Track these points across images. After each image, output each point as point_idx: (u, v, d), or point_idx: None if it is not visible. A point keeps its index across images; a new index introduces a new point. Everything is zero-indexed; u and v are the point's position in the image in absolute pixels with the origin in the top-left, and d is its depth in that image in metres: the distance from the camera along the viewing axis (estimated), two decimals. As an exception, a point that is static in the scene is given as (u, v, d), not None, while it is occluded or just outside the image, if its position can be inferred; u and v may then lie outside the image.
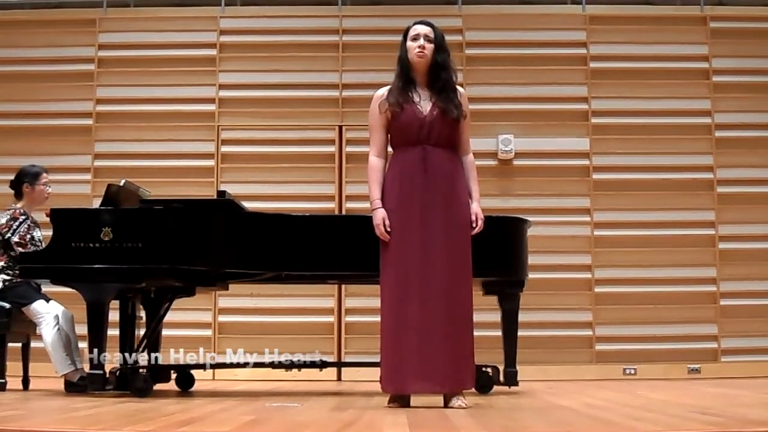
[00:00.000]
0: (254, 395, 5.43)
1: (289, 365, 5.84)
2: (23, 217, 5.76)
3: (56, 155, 8.08)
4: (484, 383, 5.41)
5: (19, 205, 5.83)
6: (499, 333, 5.67)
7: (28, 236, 5.71)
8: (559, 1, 8.72)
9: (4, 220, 5.73)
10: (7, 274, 5.67)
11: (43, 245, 5.71)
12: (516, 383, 5.63)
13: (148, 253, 5.00)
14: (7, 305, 5.58)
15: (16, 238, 5.67)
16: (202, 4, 8.69)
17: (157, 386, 5.62)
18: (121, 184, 5.53)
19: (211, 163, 8.37)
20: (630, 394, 5.32)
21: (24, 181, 5.86)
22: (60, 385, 5.54)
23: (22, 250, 5.59)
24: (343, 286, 8.00)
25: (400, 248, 4.27)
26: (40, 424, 3.35)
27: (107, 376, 5.09)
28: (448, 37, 4.50)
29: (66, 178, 7.86)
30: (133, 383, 5.11)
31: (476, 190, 4.43)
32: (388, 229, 4.29)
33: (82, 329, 5.25)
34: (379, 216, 4.30)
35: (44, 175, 5.91)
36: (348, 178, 8.31)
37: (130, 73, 8.50)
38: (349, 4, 8.73)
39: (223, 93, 8.51)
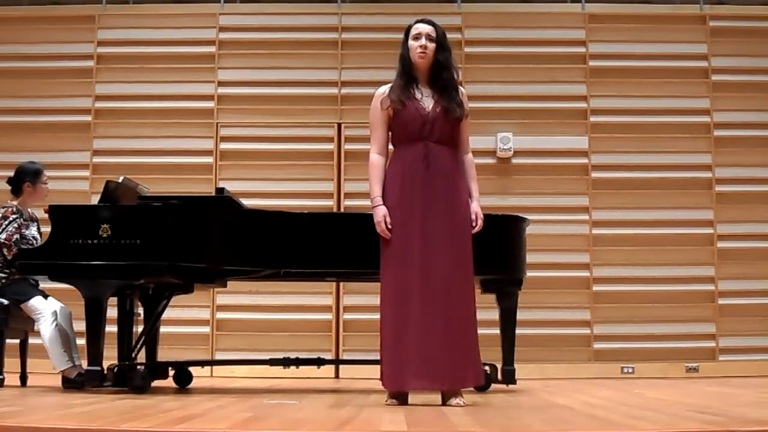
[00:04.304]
0: (252, 392, 5.43)
1: (287, 362, 5.84)
2: (15, 215, 5.70)
3: (55, 152, 8.09)
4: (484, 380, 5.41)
5: (14, 203, 5.81)
6: (497, 331, 5.68)
7: (16, 236, 5.64)
8: (559, 0, 8.72)
9: None
10: (4, 273, 5.65)
11: (39, 242, 5.70)
12: (514, 381, 5.64)
13: (146, 250, 4.99)
14: (5, 301, 5.57)
15: (3, 236, 5.62)
16: (201, 1, 8.68)
17: (155, 383, 5.63)
18: (120, 180, 5.53)
19: (209, 160, 8.37)
20: (628, 393, 5.32)
21: (25, 180, 5.82)
22: (58, 381, 5.54)
23: (6, 252, 5.57)
24: (341, 284, 8.00)
25: (401, 245, 4.27)
26: (38, 421, 3.35)
27: (105, 372, 5.09)
28: (447, 35, 4.49)
29: (64, 175, 7.86)
30: (131, 380, 5.11)
31: (476, 189, 4.44)
32: (389, 227, 4.29)
33: (80, 326, 5.26)
34: (380, 213, 4.30)
35: (45, 172, 5.90)
36: (347, 176, 8.31)
37: (129, 70, 8.49)
38: (348, 1, 8.72)
39: (222, 90, 8.50)
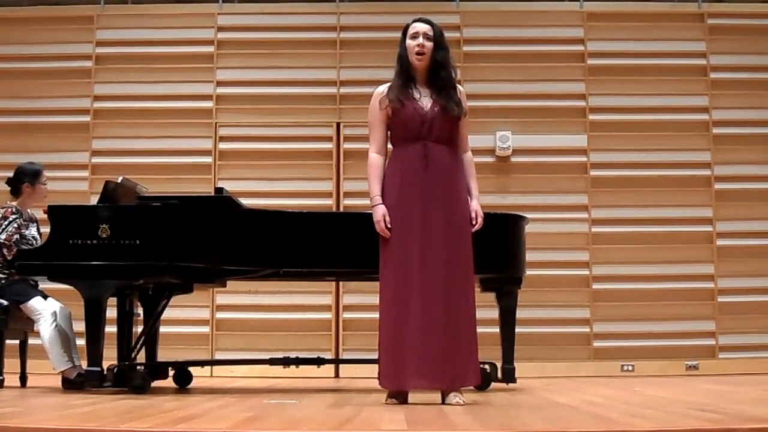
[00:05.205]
0: (252, 392, 5.44)
1: (287, 362, 5.84)
2: (14, 216, 5.71)
3: (54, 152, 8.08)
4: (481, 380, 5.40)
5: (14, 203, 5.81)
6: (497, 330, 5.68)
7: (16, 236, 5.64)
8: (557, -2, 8.74)
9: None
10: (4, 274, 5.65)
11: (39, 242, 5.70)
12: (514, 380, 5.64)
13: (145, 250, 4.99)
14: (4, 302, 5.57)
15: (3, 237, 5.62)
16: (199, 1, 8.68)
17: (155, 383, 5.63)
18: (119, 181, 5.53)
19: (208, 160, 8.37)
20: (628, 391, 5.32)
21: (24, 180, 5.83)
22: (57, 382, 5.54)
23: (6, 252, 5.58)
24: (340, 283, 8.00)
25: (400, 244, 4.27)
26: (38, 421, 3.35)
27: (105, 373, 5.09)
28: (445, 34, 4.50)
29: (63, 175, 7.86)
30: (131, 380, 5.11)
31: (475, 188, 4.45)
32: (389, 225, 4.29)
33: (79, 326, 5.26)
34: (380, 212, 4.30)
35: (44, 173, 5.90)
36: (346, 175, 8.31)
37: (127, 70, 8.49)
38: (347, 1, 8.72)
39: (221, 90, 8.50)
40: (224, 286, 5.83)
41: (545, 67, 8.49)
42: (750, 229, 8.29)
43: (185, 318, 7.75)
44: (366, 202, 4.45)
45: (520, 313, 5.78)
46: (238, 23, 8.66)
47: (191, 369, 6.02)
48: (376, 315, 4.32)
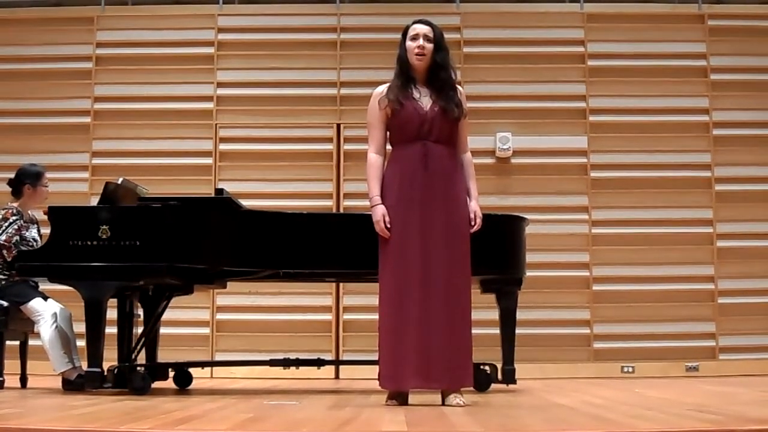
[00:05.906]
0: (252, 393, 5.44)
1: (287, 363, 5.84)
2: (15, 217, 5.71)
3: (54, 153, 8.09)
4: (482, 381, 5.42)
5: (15, 205, 5.81)
6: (497, 331, 5.68)
7: (16, 238, 5.65)
8: (557, 0, 8.72)
9: None
10: (4, 275, 5.65)
11: (39, 244, 5.70)
12: (514, 381, 5.64)
13: (145, 251, 5.00)
14: (4, 303, 5.57)
15: (3, 238, 5.62)
16: (199, 2, 8.68)
17: (155, 384, 5.63)
18: (119, 182, 5.53)
19: (209, 161, 8.37)
20: (628, 393, 5.32)
21: (26, 182, 5.83)
22: (58, 383, 5.54)
23: (5, 253, 5.58)
24: (341, 284, 8.00)
25: (399, 245, 4.27)
26: (38, 422, 3.35)
27: (105, 374, 5.09)
28: (446, 35, 4.50)
29: (64, 176, 7.86)
30: (131, 381, 5.12)
31: (474, 189, 4.45)
32: (388, 226, 4.29)
33: (80, 327, 5.26)
34: (379, 212, 4.30)
35: (45, 175, 5.90)
36: (346, 176, 8.31)
37: (128, 71, 8.49)
38: (347, 2, 8.72)
39: (221, 91, 8.50)
40: (224, 287, 5.84)
41: (545, 69, 8.50)
42: (750, 231, 8.29)
43: (185, 319, 7.75)
44: (366, 203, 4.45)
45: (521, 315, 5.79)
46: (238, 24, 8.66)
47: (191, 370, 6.02)
48: (376, 316, 4.32)
